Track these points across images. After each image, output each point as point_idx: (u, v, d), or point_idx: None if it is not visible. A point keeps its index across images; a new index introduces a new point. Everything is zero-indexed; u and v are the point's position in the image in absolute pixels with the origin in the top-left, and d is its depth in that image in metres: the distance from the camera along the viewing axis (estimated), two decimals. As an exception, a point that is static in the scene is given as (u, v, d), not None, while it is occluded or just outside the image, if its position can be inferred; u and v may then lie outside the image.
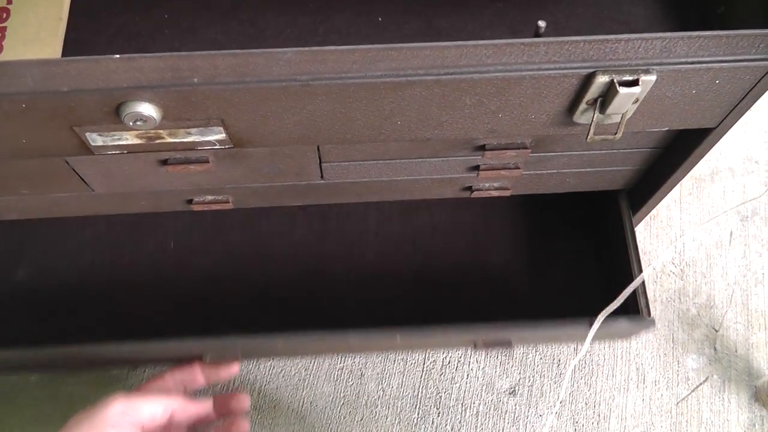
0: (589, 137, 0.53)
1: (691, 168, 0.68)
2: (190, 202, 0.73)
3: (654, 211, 0.92)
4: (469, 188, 0.74)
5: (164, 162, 0.63)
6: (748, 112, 0.58)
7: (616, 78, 0.48)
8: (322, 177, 0.70)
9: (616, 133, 0.53)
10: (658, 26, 0.64)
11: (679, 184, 0.91)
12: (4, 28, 0.64)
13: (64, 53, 0.64)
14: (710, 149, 0.64)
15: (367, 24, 0.65)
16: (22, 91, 0.48)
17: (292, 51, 0.45)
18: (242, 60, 0.46)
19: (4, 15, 0.65)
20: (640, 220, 0.81)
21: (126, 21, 0.65)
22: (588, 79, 0.48)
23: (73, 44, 0.64)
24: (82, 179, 0.66)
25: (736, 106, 0.56)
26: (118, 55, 0.45)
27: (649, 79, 0.48)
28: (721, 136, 0.61)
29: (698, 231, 0.95)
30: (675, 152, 0.67)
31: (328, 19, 0.65)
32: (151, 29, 0.64)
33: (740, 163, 1.01)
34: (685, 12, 0.65)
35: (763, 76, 0.51)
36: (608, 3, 0.64)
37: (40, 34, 0.64)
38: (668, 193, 0.74)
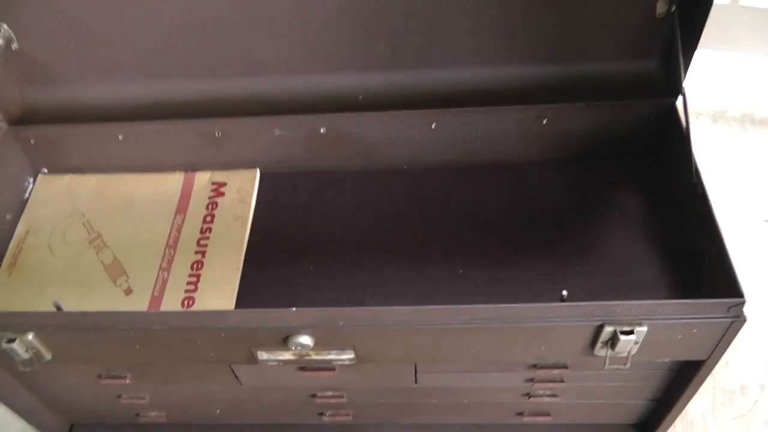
0: (606, 366, 0.75)
1: (702, 383, 0.86)
2: (314, 396, 0.97)
3: (690, 417, 1.09)
4: (527, 394, 0.95)
5: (302, 368, 0.88)
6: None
7: (618, 329, 0.71)
8: (416, 381, 0.93)
9: (625, 364, 0.75)
10: (658, 273, 0.88)
11: (711, 395, 1.09)
12: (200, 275, 0.93)
13: (239, 292, 0.92)
14: (710, 373, 0.83)
15: (452, 274, 0.91)
16: (225, 326, 0.75)
17: (406, 309, 0.71)
18: (373, 313, 0.72)
19: (200, 265, 0.94)
20: (676, 416, 0.97)
21: (282, 269, 0.93)
22: (599, 329, 0.72)
23: (244, 286, 0.93)
24: (236, 376, 0.91)
25: (718, 344, 0.76)
26: (294, 308, 0.72)
27: (641, 330, 0.71)
28: (715, 364, 0.81)
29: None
30: (684, 374, 0.86)
31: (426, 268, 0.92)
32: (300, 276, 0.92)
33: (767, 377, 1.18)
34: (680, 255, 0.89)
35: (728, 327, 0.72)
36: (623, 257, 0.90)
37: (224, 279, 0.93)
38: (690, 399, 0.91)
